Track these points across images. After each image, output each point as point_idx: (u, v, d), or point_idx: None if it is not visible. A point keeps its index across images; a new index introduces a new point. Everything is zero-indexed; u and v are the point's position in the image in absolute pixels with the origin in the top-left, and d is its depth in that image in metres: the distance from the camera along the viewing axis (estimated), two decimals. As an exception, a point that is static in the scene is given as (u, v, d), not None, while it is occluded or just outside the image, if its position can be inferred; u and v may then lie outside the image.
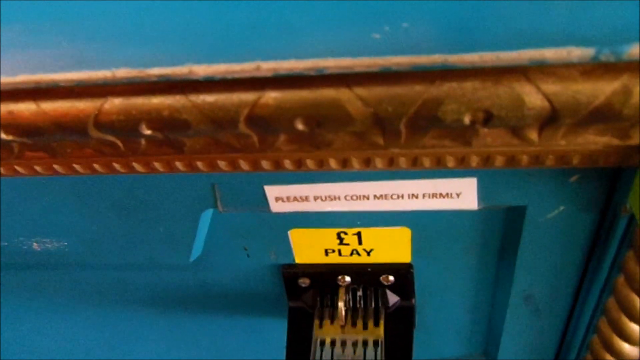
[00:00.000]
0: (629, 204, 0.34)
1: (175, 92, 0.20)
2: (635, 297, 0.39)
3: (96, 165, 0.35)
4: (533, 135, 0.21)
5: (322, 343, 0.48)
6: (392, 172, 0.37)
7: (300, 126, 0.21)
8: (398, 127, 0.21)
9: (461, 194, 0.38)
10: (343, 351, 0.47)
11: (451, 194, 0.38)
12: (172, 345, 0.56)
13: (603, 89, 0.18)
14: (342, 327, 0.48)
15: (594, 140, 0.22)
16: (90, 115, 0.21)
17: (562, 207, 0.38)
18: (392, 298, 0.48)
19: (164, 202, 0.40)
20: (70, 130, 0.21)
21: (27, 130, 0.21)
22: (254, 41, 0.19)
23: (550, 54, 0.18)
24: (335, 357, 0.47)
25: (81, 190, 0.41)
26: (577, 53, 0.18)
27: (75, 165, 0.35)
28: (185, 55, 0.19)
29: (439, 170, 0.35)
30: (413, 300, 0.48)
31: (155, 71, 0.19)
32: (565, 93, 0.19)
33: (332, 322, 0.49)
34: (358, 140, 0.23)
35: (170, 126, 0.21)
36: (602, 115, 0.19)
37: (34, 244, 0.44)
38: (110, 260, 0.46)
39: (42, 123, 0.21)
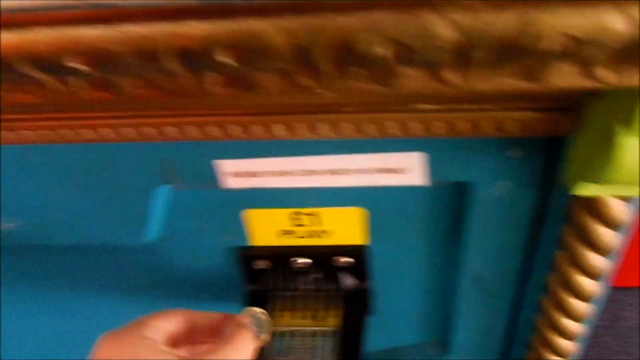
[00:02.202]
0: (564, 175, 0.36)
1: (101, 22, 0.21)
2: (574, 272, 0.41)
3: (45, 132, 0.36)
4: (451, 76, 0.23)
5: (276, 333, 0.48)
6: (342, 145, 0.38)
7: (224, 59, 0.22)
8: (318, 62, 0.22)
9: (410, 169, 0.39)
10: (294, 342, 0.48)
11: (400, 169, 0.39)
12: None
13: (505, 18, 0.20)
14: (297, 312, 0.49)
15: (510, 83, 0.23)
16: (18, 47, 0.22)
17: (505, 183, 0.39)
18: (348, 280, 0.49)
19: (115, 177, 0.40)
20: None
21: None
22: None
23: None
24: (287, 346, 0.47)
25: (29, 166, 0.41)
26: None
27: (24, 132, 0.36)
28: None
29: (388, 141, 0.37)
30: (369, 283, 0.49)
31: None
32: (470, 22, 0.20)
33: (288, 307, 0.49)
34: (286, 81, 0.24)
35: (97, 59, 0.22)
36: (507, 49, 0.21)
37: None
38: (65, 240, 0.46)
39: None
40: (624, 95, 0.27)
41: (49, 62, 0.22)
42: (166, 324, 0.36)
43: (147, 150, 0.39)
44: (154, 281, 0.51)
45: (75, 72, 0.23)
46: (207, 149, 0.39)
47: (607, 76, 0.23)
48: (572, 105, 0.32)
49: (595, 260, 0.39)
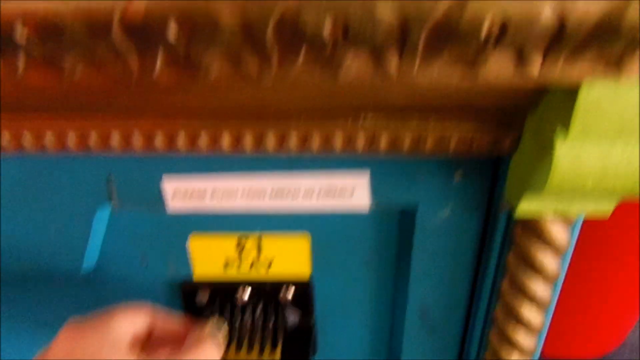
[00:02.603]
0: (506, 195, 0.36)
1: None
2: (519, 299, 0.40)
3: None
4: (390, 61, 0.23)
5: None
6: (287, 164, 0.38)
7: (172, 35, 0.22)
8: (265, 43, 0.22)
9: (354, 190, 0.39)
10: None
11: (345, 190, 0.39)
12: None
13: (442, 2, 0.21)
14: (240, 351, 0.47)
15: (448, 72, 0.24)
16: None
17: (449, 207, 0.40)
18: (291, 316, 0.48)
19: (57, 194, 0.39)
20: None
21: None
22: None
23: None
24: None
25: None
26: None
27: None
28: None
29: (332, 161, 0.37)
30: (313, 319, 0.48)
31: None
32: (409, 5, 0.21)
33: (230, 342, 0.47)
34: (233, 65, 0.24)
35: (45, 29, 0.22)
36: (444, 32, 0.22)
37: None
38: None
39: None
40: (559, 100, 0.28)
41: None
42: (132, 324, 0.35)
43: (90, 166, 0.38)
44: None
45: (17, 45, 0.23)
46: (152, 165, 0.38)
47: (536, 68, 0.24)
48: (512, 121, 0.33)
49: (539, 286, 0.39)
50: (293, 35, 0.22)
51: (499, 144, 0.34)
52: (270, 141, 0.34)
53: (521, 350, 0.43)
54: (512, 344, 0.43)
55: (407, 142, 0.34)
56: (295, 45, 0.23)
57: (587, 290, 1.07)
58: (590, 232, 0.83)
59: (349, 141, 0.34)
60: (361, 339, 0.51)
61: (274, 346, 0.47)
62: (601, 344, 1.49)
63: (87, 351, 0.33)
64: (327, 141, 0.34)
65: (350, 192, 0.39)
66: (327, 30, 0.22)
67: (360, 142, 0.34)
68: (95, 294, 0.47)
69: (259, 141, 0.34)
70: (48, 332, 0.50)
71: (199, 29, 0.22)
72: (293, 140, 0.34)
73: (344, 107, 0.32)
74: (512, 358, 0.43)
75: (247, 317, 0.47)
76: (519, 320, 0.41)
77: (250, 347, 0.47)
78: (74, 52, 0.23)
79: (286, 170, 0.38)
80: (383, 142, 0.34)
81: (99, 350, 0.33)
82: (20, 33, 0.22)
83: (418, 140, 0.34)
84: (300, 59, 0.24)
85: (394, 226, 0.43)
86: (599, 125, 0.27)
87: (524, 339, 0.42)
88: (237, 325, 0.47)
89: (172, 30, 0.22)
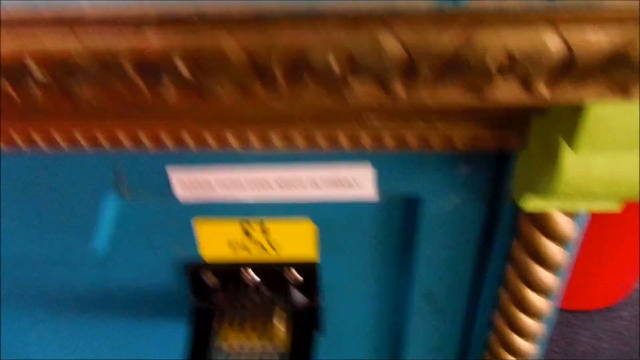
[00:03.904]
0: (512, 190, 0.37)
1: (64, 29, 0.21)
2: (523, 287, 0.41)
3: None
4: (399, 88, 0.23)
5: (222, 350, 0.47)
6: (293, 157, 0.38)
7: (182, 69, 0.22)
8: (274, 75, 0.22)
9: (359, 182, 0.40)
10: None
11: (350, 182, 0.40)
12: (74, 346, 0.55)
13: (450, 37, 0.21)
14: (245, 330, 0.48)
15: (455, 98, 0.24)
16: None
17: (455, 198, 0.40)
18: (298, 297, 0.49)
19: (65, 186, 0.40)
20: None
21: None
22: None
23: (402, 4, 0.20)
24: None
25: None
26: (425, 4, 0.20)
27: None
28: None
29: (337, 154, 0.38)
30: (318, 300, 0.49)
31: (45, 8, 0.20)
32: (417, 40, 0.21)
33: (236, 323, 0.48)
34: (241, 92, 0.24)
35: (58, 66, 0.22)
36: (453, 65, 0.22)
37: None
38: (10, 252, 0.45)
39: None
40: (566, 112, 0.28)
41: (8, 68, 0.22)
42: None
43: (98, 159, 0.38)
44: (101, 295, 0.50)
45: (33, 79, 0.23)
46: (159, 159, 0.39)
47: (544, 92, 0.24)
48: (518, 122, 0.33)
49: (544, 275, 0.40)
50: (302, 67, 0.22)
51: (504, 142, 0.34)
52: (277, 141, 0.34)
53: (525, 334, 0.44)
54: (516, 328, 0.44)
55: (413, 142, 0.34)
56: (304, 77, 0.23)
57: (590, 243, 1.07)
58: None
59: (354, 141, 0.34)
60: (365, 318, 0.52)
61: (279, 325, 0.48)
62: (608, 294, 1.52)
63: None
64: (332, 141, 0.34)
65: (355, 183, 0.40)
66: (334, 64, 0.22)
67: (366, 142, 0.34)
68: (105, 276, 0.49)
69: (265, 142, 0.34)
70: (58, 311, 0.52)
71: (208, 64, 0.22)
72: (299, 141, 0.34)
73: (348, 111, 0.32)
74: (517, 341, 0.45)
75: (253, 298, 0.48)
76: (523, 306, 0.42)
77: (255, 326, 0.48)
78: (87, 82, 0.24)
79: (291, 162, 0.39)
80: (388, 142, 0.34)
81: None
82: (35, 70, 0.22)
83: (424, 139, 0.34)
84: (309, 87, 0.24)
85: (399, 213, 0.43)
86: (606, 138, 0.27)
87: (528, 323, 0.43)
88: (244, 305, 0.48)
89: (182, 65, 0.22)
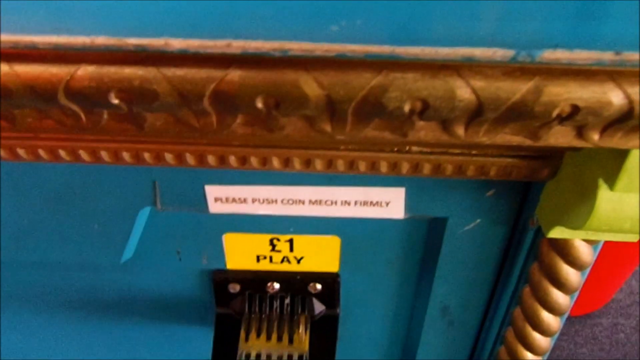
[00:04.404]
0: (536, 216, 0.38)
1: (148, 63, 0.22)
2: (538, 307, 0.43)
3: (41, 151, 0.35)
4: (460, 130, 0.25)
5: (247, 357, 0.48)
6: (329, 178, 0.39)
7: (260, 104, 0.23)
8: (346, 112, 0.23)
9: (390, 203, 0.41)
10: None
11: (381, 203, 0.41)
12: (97, 349, 0.55)
13: (520, 87, 0.22)
14: (268, 338, 0.49)
15: (510, 139, 0.25)
16: (62, 81, 0.22)
17: (479, 220, 0.42)
18: (318, 307, 0.50)
19: (101, 197, 0.40)
20: (39, 94, 0.23)
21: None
22: (227, 20, 0.21)
23: (478, 52, 0.21)
24: None
25: (15, 181, 0.40)
26: (500, 53, 0.21)
27: (18, 150, 0.36)
28: (161, 28, 0.21)
29: (372, 177, 0.39)
30: (338, 310, 0.51)
31: (133, 41, 0.21)
32: (489, 89, 0.22)
33: (259, 331, 0.50)
34: (308, 126, 0.25)
35: (139, 96, 0.23)
36: (517, 112, 0.23)
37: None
38: (40, 257, 0.45)
39: (13, 85, 0.22)
40: (606, 152, 0.29)
41: (89, 97, 0.23)
42: None
43: (136, 172, 0.39)
44: (125, 300, 0.51)
45: (110, 106, 0.23)
46: (197, 174, 0.40)
47: (595, 138, 0.25)
48: (552, 155, 0.35)
49: (559, 297, 0.41)
50: (374, 108, 0.23)
51: (536, 173, 0.36)
52: (319, 165, 0.35)
53: (535, 350, 0.46)
54: (527, 344, 0.46)
55: (449, 170, 0.35)
56: (373, 116, 0.24)
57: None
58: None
59: (394, 167, 0.35)
60: (380, 327, 0.54)
61: (301, 334, 0.50)
62: (588, 302, 1.56)
63: None
64: (373, 167, 0.35)
65: (385, 204, 0.41)
66: (406, 107, 0.23)
67: (405, 168, 0.35)
68: (130, 282, 0.49)
69: (308, 165, 0.35)
70: (83, 316, 0.52)
71: (285, 100, 0.23)
72: (340, 166, 0.35)
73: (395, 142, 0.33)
74: (526, 357, 0.46)
75: (276, 307, 0.50)
76: (536, 324, 0.44)
77: (278, 337, 0.49)
78: (162, 111, 0.24)
79: (325, 183, 0.40)
80: (426, 169, 0.35)
81: None
82: (114, 100, 0.23)
83: (460, 168, 0.35)
84: (373, 124, 0.25)
85: (422, 231, 0.45)
86: (643, 180, 0.29)
87: (539, 340, 0.45)
88: (267, 313, 0.49)
89: (260, 101, 0.23)
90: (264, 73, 0.22)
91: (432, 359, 0.53)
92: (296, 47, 0.21)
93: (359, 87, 0.22)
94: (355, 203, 0.41)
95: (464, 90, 0.22)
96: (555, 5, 0.21)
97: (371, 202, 0.41)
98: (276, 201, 0.41)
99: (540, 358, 0.47)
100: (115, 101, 0.23)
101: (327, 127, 0.25)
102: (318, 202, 0.41)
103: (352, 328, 0.53)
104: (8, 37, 0.21)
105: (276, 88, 0.22)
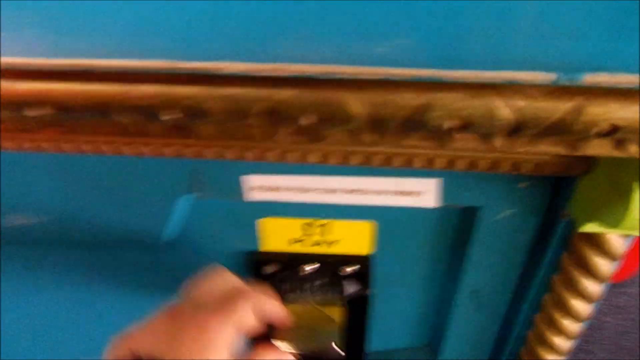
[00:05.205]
0: (569, 209, 0.39)
1: (202, 83, 0.23)
2: (569, 295, 0.44)
3: (86, 147, 0.37)
4: (498, 142, 0.25)
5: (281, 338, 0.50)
6: (362, 168, 0.40)
7: (304, 122, 0.24)
8: (388, 128, 0.24)
9: (423, 193, 0.42)
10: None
11: (414, 193, 0.42)
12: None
13: (560, 108, 0.22)
14: (302, 317, 0.51)
15: (547, 150, 0.26)
16: (118, 98, 0.23)
17: (511, 210, 0.42)
18: (350, 288, 0.52)
19: (143, 185, 0.42)
20: (98, 110, 0.24)
21: (63, 107, 0.23)
22: (276, 45, 0.22)
23: (521, 75, 0.22)
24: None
25: (62, 168, 0.42)
26: (542, 77, 0.22)
27: (65, 145, 0.37)
28: (215, 52, 0.22)
29: (407, 170, 0.39)
30: (369, 291, 0.52)
31: (188, 64, 0.22)
32: (529, 109, 0.23)
33: (293, 311, 0.51)
34: (349, 137, 0.26)
35: (191, 114, 0.24)
36: (556, 129, 0.23)
37: (13, 219, 0.45)
38: (85, 237, 0.47)
39: (77, 101, 0.24)
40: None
41: (146, 111, 0.24)
42: (250, 320, 0.34)
43: (178, 162, 0.40)
44: (164, 280, 0.53)
45: (163, 120, 0.25)
46: (236, 165, 0.41)
47: (633, 150, 0.26)
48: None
49: (590, 285, 0.42)
50: (417, 124, 0.24)
51: (570, 169, 0.36)
52: (355, 160, 0.36)
53: (565, 334, 0.47)
54: (557, 329, 0.46)
55: (484, 166, 0.36)
56: (415, 130, 0.25)
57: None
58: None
59: (429, 162, 0.36)
60: (410, 309, 0.55)
61: (335, 313, 0.51)
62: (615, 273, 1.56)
63: (184, 350, 0.31)
64: (407, 163, 0.36)
65: (420, 194, 0.42)
66: (447, 124, 0.23)
67: (439, 164, 0.36)
68: (171, 261, 0.51)
69: (344, 160, 0.36)
70: (124, 293, 0.55)
71: (330, 119, 0.24)
72: (376, 161, 0.36)
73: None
74: (555, 340, 0.47)
75: (310, 288, 0.51)
76: (567, 310, 0.45)
77: (312, 315, 0.51)
78: (213, 123, 0.25)
79: (359, 173, 0.41)
80: (460, 164, 0.36)
81: (201, 351, 0.31)
82: (165, 113, 0.24)
83: (495, 164, 0.36)
84: (415, 137, 0.25)
85: (455, 219, 0.46)
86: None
87: (569, 325, 0.46)
88: (300, 295, 0.51)
89: (305, 119, 0.24)
90: (312, 93, 0.23)
91: (459, 337, 0.54)
92: (342, 70, 0.22)
93: (401, 107, 0.23)
94: (389, 193, 0.42)
95: (503, 110, 0.23)
96: (597, 27, 0.21)
97: (404, 192, 0.42)
98: (312, 189, 0.42)
99: (569, 342, 0.48)
100: (167, 117, 0.24)
101: (367, 138, 0.26)
102: (352, 191, 0.42)
103: (382, 308, 0.54)
104: (81, 61, 0.22)
105: (323, 107, 0.23)
